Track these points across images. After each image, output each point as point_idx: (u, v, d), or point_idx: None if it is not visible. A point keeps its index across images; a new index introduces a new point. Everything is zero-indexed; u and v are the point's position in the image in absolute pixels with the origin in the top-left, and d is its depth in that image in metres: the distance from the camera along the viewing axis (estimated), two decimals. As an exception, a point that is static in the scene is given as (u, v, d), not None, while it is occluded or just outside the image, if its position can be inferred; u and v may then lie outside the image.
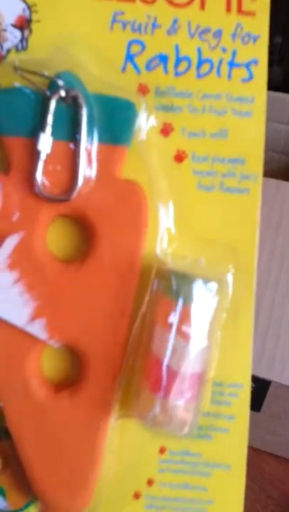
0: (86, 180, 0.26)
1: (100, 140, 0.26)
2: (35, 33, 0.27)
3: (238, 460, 0.29)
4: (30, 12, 0.28)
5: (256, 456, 0.46)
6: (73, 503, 0.28)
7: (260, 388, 0.45)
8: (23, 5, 0.28)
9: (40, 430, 0.27)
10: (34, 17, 0.28)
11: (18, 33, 0.28)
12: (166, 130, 0.28)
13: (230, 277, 0.28)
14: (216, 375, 0.29)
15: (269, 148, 0.62)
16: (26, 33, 0.28)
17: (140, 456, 0.29)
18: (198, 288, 0.26)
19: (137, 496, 0.30)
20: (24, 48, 0.28)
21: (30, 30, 0.28)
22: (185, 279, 0.26)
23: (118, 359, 0.27)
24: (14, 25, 0.28)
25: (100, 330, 0.27)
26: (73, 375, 0.28)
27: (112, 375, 0.27)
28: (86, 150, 0.26)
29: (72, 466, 0.28)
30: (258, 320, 0.43)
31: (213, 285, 0.26)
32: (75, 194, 0.26)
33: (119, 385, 0.28)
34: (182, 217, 0.28)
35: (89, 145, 0.26)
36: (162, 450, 0.29)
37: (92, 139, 0.26)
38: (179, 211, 0.29)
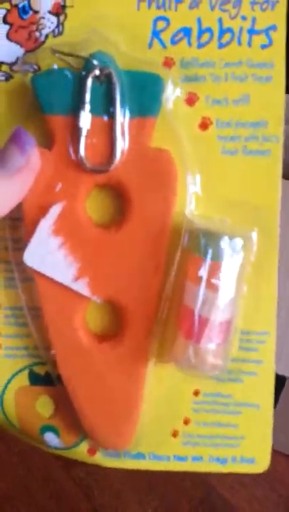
0: (121, 151, 0.29)
1: (132, 113, 0.29)
2: (70, 17, 0.30)
3: (266, 399, 0.32)
4: (65, -3, 0.30)
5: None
6: (119, 439, 0.32)
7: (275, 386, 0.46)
8: (57, -9, 0.30)
9: (87, 375, 0.31)
10: (68, 3, 0.30)
11: (54, 19, 0.30)
12: (191, 99, 0.30)
13: (254, 234, 0.31)
14: (244, 324, 0.32)
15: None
16: (62, 18, 0.30)
17: (176, 398, 0.33)
18: (224, 244, 0.28)
19: (175, 434, 0.33)
20: (60, 33, 0.30)
21: (66, 16, 0.30)
22: (212, 237, 0.28)
23: (153, 311, 0.30)
24: (51, 12, 0.30)
25: (137, 286, 0.30)
26: (114, 328, 0.32)
27: (149, 325, 0.30)
28: (120, 124, 0.29)
29: (116, 407, 0.31)
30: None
31: (239, 241, 0.29)
32: (114, 165, 0.29)
33: (156, 335, 0.31)
34: (208, 182, 0.31)
35: (122, 118, 0.29)
36: (196, 393, 0.33)
37: (124, 113, 0.29)
38: (205, 176, 0.31)
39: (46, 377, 0.33)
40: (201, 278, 0.28)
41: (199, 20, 0.30)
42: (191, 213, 0.31)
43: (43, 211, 0.29)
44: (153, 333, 0.31)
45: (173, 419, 0.33)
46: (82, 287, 0.30)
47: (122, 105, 0.29)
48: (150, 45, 0.30)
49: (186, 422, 0.33)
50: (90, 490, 0.45)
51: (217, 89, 0.30)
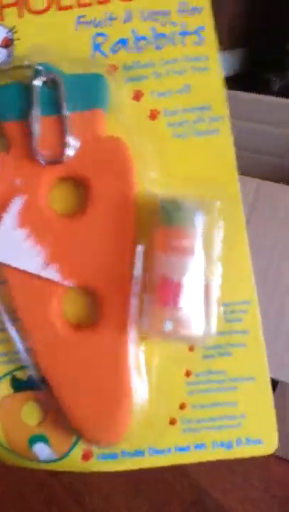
0: (75, 143, 0.31)
1: (79, 108, 0.32)
2: (17, 47, 0.34)
3: (260, 371, 0.31)
4: (12, 33, 0.34)
5: (263, 457, 0.46)
6: (111, 431, 0.30)
7: None
8: (6, 29, 0.35)
9: (69, 367, 0.30)
10: (15, 37, 0.34)
11: (4, 51, 0.34)
12: (137, 96, 0.33)
13: (217, 205, 0.32)
14: (224, 296, 0.32)
15: (272, 153, 0.64)
16: (11, 49, 0.34)
17: (169, 382, 0.32)
18: (187, 210, 0.30)
19: (172, 422, 0.32)
20: (10, 62, 0.34)
21: (14, 46, 0.34)
22: (173, 204, 0.30)
23: (127, 292, 0.31)
24: (0, 46, 0.34)
25: (107, 268, 0.31)
26: (91, 316, 0.32)
27: (124, 307, 0.30)
28: (70, 119, 0.31)
29: (104, 396, 0.30)
30: (266, 322, 0.45)
31: (199, 204, 0.30)
32: (65, 156, 0.31)
33: (133, 316, 0.31)
34: (164, 164, 0.33)
35: (71, 115, 0.32)
36: (188, 373, 0.32)
37: (72, 110, 0.32)
38: (160, 159, 0.33)
39: (29, 381, 0.32)
40: (168, 245, 0.29)
41: (134, 31, 0.34)
42: (152, 194, 0.32)
43: (6, 208, 0.31)
44: (130, 314, 0.31)
45: (168, 406, 0.32)
46: (52, 273, 0.31)
47: (69, 103, 0.31)
48: (92, 56, 0.34)
49: (182, 406, 0.32)
50: (80, 495, 0.42)
51: (160, 84, 0.33)
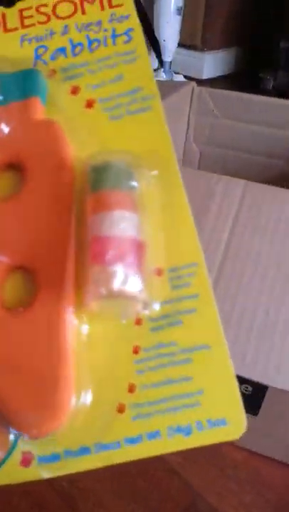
0: (6, 131, 0.32)
1: (14, 98, 0.33)
2: None
3: (215, 337, 0.27)
4: None
5: (253, 459, 0.43)
6: (49, 418, 0.26)
7: (257, 392, 0.42)
8: None
9: (2, 353, 0.27)
10: None
11: None
12: (74, 90, 0.35)
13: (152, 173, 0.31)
14: (169, 261, 0.29)
15: (272, 155, 0.63)
16: None
17: (115, 362, 0.28)
18: (114, 170, 0.29)
19: (120, 409, 0.27)
20: None
21: None
22: (100, 167, 0.29)
23: (65, 261, 0.29)
24: None
25: (44, 245, 0.29)
26: (28, 298, 0.29)
27: (61, 281, 0.28)
28: (3, 110, 0.33)
29: (38, 380, 0.26)
30: (254, 325, 0.43)
31: (131, 166, 0.29)
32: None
33: (71, 282, 0.28)
34: (101, 140, 0.33)
35: (5, 106, 0.33)
36: (136, 350, 0.28)
37: (7, 100, 0.33)
38: (98, 139, 0.33)
39: None
40: (96, 206, 0.28)
41: (71, 40, 0.37)
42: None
43: None
44: (67, 283, 0.28)
45: (115, 391, 0.27)
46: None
47: (5, 94, 0.33)
48: (34, 65, 0.36)
49: (131, 389, 0.27)
50: (72, 500, 0.35)
51: (94, 78, 0.35)
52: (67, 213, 0.30)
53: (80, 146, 0.32)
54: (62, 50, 0.36)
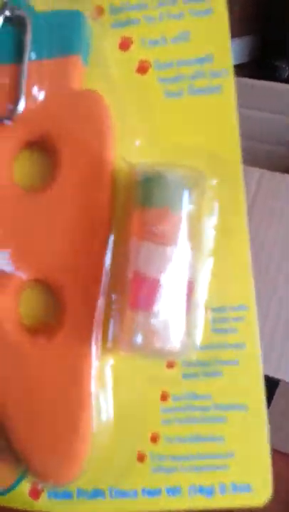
0: (37, 98, 0.25)
1: (50, 55, 0.25)
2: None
3: (255, 396, 0.24)
4: None
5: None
6: (64, 470, 0.24)
7: (268, 386, 0.41)
8: None
9: (18, 379, 0.24)
10: None
11: None
12: (125, 44, 0.27)
13: (211, 182, 0.25)
14: (216, 299, 0.25)
15: (277, 141, 0.59)
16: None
17: (139, 407, 0.25)
18: (168, 186, 0.23)
19: (141, 457, 0.25)
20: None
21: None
22: (154, 179, 0.23)
23: (96, 286, 0.24)
24: None
25: (72, 256, 0.24)
26: (51, 316, 0.25)
27: (91, 304, 0.24)
28: (35, 68, 0.25)
29: (57, 422, 0.23)
30: (266, 319, 0.41)
31: (188, 181, 0.23)
32: (17, 113, 0.24)
33: (100, 315, 0.24)
34: (154, 130, 0.26)
35: (38, 62, 0.25)
36: (164, 396, 0.25)
37: (41, 56, 0.25)
38: (149, 122, 0.26)
39: None
40: (145, 230, 0.22)
41: None
42: (134, 165, 0.25)
43: None
44: (97, 312, 0.24)
45: (137, 437, 0.25)
46: (2, 262, 0.24)
47: (37, 49, 0.25)
48: (74, -6, 0.27)
49: (155, 438, 0.25)
50: None
51: (152, 30, 0.27)
52: (104, 221, 0.25)
53: (125, 130, 0.26)
54: (114, -24, 0.27)
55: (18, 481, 0.25)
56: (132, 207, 0.24)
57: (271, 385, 0.40)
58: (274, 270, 0.40)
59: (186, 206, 0.23)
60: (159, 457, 0.25)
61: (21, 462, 0.24)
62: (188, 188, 0.23)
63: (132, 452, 0.25)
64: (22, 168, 0.26)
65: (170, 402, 0.25)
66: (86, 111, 0.25)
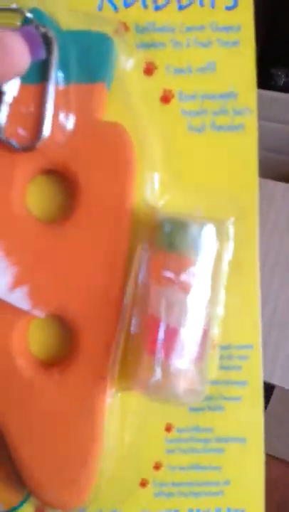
0: (60, 125, 0.24)
1: (75, 79, 0.24)
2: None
3: (254, 431, 0.26)
4: None
5: None
6: (71, 496, 0.24)
7: (264, 392, 0.43)
8: None
9: (28, 413, 0.24)
10: None
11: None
12: (149, 69, 0.26)
13: (230, 224, 0.25)
14: (223, 337, 0.26)
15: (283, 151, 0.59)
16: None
17: (144, 437, 0.26)
18: (193, 233, 0.23)
19: (143, 483, 0.26)
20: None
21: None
22: (177, 225, 0.23)
23: (112, 324, 0.24)
24: None
25: (90, 293, 0.24)
26: (64, 350, 0.25)
27: (106, 342, 0.24)
28: (60, 92, 0.24)
29: (68, 452, 0.24)
30: (265, 323, 0.42)
31: (211, 228, 0.23)
32: (42, 142, 0.23)
33: (115, 353, 0.24)
34: (173, 163, 0.26)
35: (62, 86, 0.24)
36: (169, 428, 0.26)
37: (65, 80, 0.24)
38: (169, 157, 0.26)
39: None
40: (166, 276, 0.23)
41: (154, -20, 0.26)
42: (153, 201, 0.25)
43: None
44: (112, 352, 0.24)
45: (140, 465, 0.26)
46: (20, 298, 0.23)
47: (62, 71, 0.23)
48: (100, 8, 0.26)
49: (158, 466, 0.26)
50: None
51: (178, 56, 0.26)
52: (121, 258, 0.24)
53: (145, 163, 0.25)
54: (141, -8, 0.26)
55: (22, 503, 0.26)
56: (152, 248, 0.24)
57: (267, 390, 0.42)
58: (268, 277, 0.41)
59: (209, 254, 0.23)
60: (161, 484, 0.26)
61: (27, 487, 0.25)
62: (212, 237, 0.23)
63: (135, 478, 0.26)
64: (35, 195, 0.25)
65: (174, 433, 0.26)
66: (110, 145, 0.24)
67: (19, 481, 0.25)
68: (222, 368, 0.26)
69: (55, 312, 0.24)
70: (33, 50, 0.21)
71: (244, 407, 0.26)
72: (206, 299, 0.23)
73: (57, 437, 0.24)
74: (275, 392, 0.43)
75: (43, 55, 0.21)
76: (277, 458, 0.48)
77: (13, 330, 0.24)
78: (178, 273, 0.23)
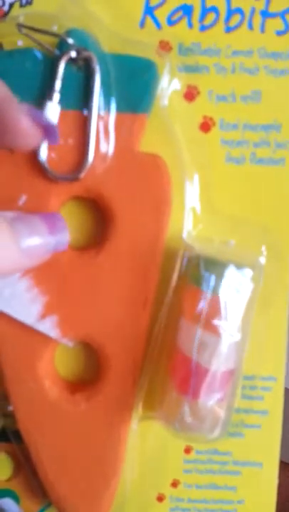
0: (100, 155, 0.23)
1: (117, 108, 0.23)
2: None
3: (271, 457, 0.27)
4: None
5: None
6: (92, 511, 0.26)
7: None
8: None
9: (55, 434, 0.25)
10: None
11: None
12: (190, 94, 0.25)
13: (263, 261, 0.25)
14: (247, 368, 0.26)
15: None
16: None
17: (164, 456, 0.27)
18: (230, 275, 0.23)
19: (160, 498, 0.27)
20: (29, 2, 0.24)
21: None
22: (215, 265, 0.23)
23: (139, 355, 0.25)
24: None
25: (119, 324, 0.24)
26: (90, 372, 0.26)
27: (133, 373, 0.25)
28: (100, 120, 0.23)
29: (90, 473, 0.25)
30: None
31: (248, 272, 0.23)
32: (85, 172, 0.23)
33: (142, 384, 0.25)
34: (210, 195, 0.25)
35: (103, 114, 0.23)
36: (188, 450, 0.27)
37: (107, 107, 0.23)
38: (206, 188, 0.25)
39: (2, 432, 0.27)
40: (200, 316, 0.23)
41: (203, -3, 0.24)
42: (188, 233, 0.25)
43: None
44: (138, 382, 0.25)
45: (159, 481, 0.27)
46: (49, 328, 0.24)
47: (104, 98, 0.23)
48: (142, 25, 0.24)
49: (175, 484, 0.27)
50: None
51: (222, 82, 0.25)
52: (152, 290, 0.25)
53: (181, 193, 0.25)
54: (188, 10, 0.25)
55: (42, 511, 0.28)
56: (185, 283, 0.24)
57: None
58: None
59: (244, 297, 0.23)
60: (177, 499, 0.27)
61: (48, 500, 0.26)
62: (248, 280, 0.23)
63: (153, 493, 0.27)
64: (67, 221, 0.25)
65: (193, 455, 0.27)
66: (147, 177, 0.23)
67: (39, 491, 0.27)
68: (245, 397, 0.27)
69: (84, 340, 0.24)
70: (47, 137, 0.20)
71: (263, 435, 0.27)
72: (237, 341, 0.23)
73: (81, 457, 0.25)
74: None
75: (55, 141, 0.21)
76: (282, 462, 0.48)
77: (41, 353, 0.24)
78: (212, 314, 0.23)
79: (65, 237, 0.22)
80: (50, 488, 0.25)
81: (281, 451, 0.48)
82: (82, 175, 0.23)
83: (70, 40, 0.22)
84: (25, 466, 0.27)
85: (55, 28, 0.22)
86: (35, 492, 0.27)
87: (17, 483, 0.27)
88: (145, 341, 0.25)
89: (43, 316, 0.23)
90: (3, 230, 0.18)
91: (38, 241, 0.20)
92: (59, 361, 0.26)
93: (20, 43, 0.22)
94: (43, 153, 0.23)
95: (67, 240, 0.22)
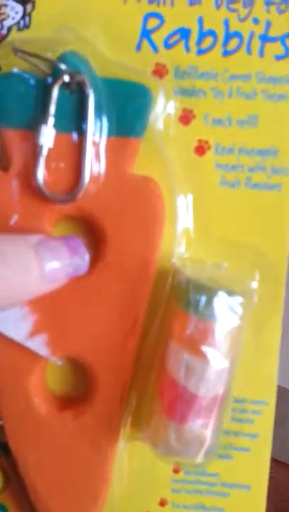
0: (94, 177, 0.23)
1: (110, 132, 0.23)
2: (39, 7, 0.24)
3: (259, 480, 0.27)
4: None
5: None
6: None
7: None
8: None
9: (43, 450, 0.25)
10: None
11: (20, 8, 0.24)
12: (186, 117, 0.25)
13: (255, 286, 0.25)
14: (239, 391, 0.26)
15: None
16: (29, 8, 0.24)
17: (152, 475, 0.27)
18: (219, 301, 0.23)
19: (148, 516, 0.28)
20: (27, 26, 0.24)
21: (34, 5, 0.24)
22: (204, 291, 0.23)
23: (128, 375, 0.25)
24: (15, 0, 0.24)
25: (108, 344, 0.25)
26: (80, 389, 0.26)
27: (121, 393, 0.25)
28: (94, 143, 0.23)
29: (78, 489, 0.26)
30: None
31: (238, 299, 0.23)
32: (80, 194, 0.23)
33: (129, 404, 0.25)
34: (203, 218, 0.25)
35: (97, 138, 0.23)
36: (176, 470, 0.27)
37: (100, 131, 0.23)
38: (199, 211, 0.25)
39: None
40: (188, 340, 0.23)
41: (201, 20, 0.24)
42: (180, 256, 0.25)
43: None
44: (126, 402, 0.25)
45: (147, 500, 0.27)
46: (38, 346, 0.24)
47: (97, 121, 0.23)
48: (138, 48, 0.24)
49: (163, 503, 0.27)
50: None
51: (219, 106, 0.25)
52: (142, 311, 0.25)
53: (172, 215, 0.25)
54: (185, 33, 0.24)
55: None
56: (174, 307, 0.24)
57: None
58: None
59: (233, 323, 0.23)
60: (165, 518, 0.28)
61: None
62: (238, 307, 0.23)
63: (141, 510, 0.27)
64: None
65: (181, 475, 0.27)
66: (140, 199, 0.24)
67: (29, 504, 0.27)
68: (234, 419, 0.27)
69: (74, 359, 0.25)
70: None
71: (252, 458, 0.27)
72: (226, 367, 0.23)
73: (68, 474, 0.25)
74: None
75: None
76: (276, 460, 0.48)
77: (31, 370, 0.25)
78: (200, 340, 0.23)
79: (84, 261, 0.22)
80: (39, 502, 0.26)
81: (280, 452, 0.48)
82: (77, 196, 0.23)
83: (63, 66, 0.22)
84: (14, 479, 0.27)
85: (47, 54, 0.22)
86: (24, 506, 0.28)
87: (5, 497, 0.28)
88: (134, 361, 0.25)
89: (33, 334, 0.24)
90: (29, 257, 0.19)
91: (60, 265, 0.20)
92: (49, 377, 0.26)
93: (15, 69, 0.23)
94: (40, 175, 0.23)
95: (87, 265, 0.22)
